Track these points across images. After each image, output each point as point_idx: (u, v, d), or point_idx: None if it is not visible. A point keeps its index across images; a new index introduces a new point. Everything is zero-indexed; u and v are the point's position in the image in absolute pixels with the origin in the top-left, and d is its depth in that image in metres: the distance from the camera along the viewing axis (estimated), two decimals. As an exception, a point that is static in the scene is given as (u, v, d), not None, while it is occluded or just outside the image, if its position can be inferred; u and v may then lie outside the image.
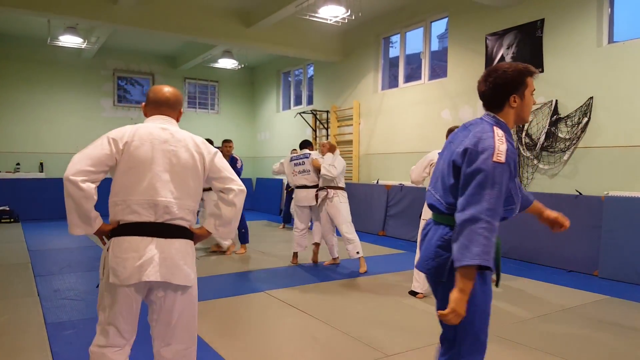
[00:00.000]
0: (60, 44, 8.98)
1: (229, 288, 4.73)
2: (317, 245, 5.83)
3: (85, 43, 9.11)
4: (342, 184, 5.48)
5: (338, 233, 5.61)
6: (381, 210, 8.27)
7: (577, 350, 3.15)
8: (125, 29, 7.92)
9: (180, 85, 12.28)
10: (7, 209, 9.29)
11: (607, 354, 3.11)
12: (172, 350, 1.99)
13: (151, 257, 1.87)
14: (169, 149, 1.96)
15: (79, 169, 1.82)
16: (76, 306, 4.07)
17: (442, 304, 1.80)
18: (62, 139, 10.68)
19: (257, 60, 12.32)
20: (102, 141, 1.91)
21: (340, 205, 5.36)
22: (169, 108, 2.09)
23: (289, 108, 12.07)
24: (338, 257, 5.80)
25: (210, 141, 6.85)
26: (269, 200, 11.90)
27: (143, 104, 2.13)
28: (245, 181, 12.30)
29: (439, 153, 1.99)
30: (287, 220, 8.94)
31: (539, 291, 4.67)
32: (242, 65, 10.92)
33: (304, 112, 10.56)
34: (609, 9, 5.69)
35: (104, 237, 1.99)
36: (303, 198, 5.61)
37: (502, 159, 1.63)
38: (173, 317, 1.96)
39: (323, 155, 5.62)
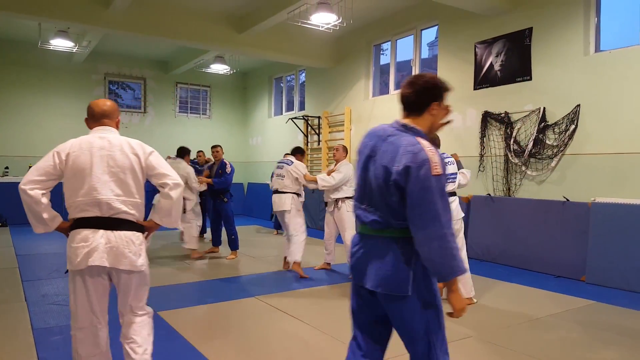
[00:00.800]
0: (52, 47, 8.93)
1: (220, 293, 4.71)
2: (285, 258, 5.77)
3: (77, 47, 9.07)
4: (348, 194, 5.42)
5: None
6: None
7: (565, 356, 3.19)
8: (117, 33, 7.91)
9: (172, 89, 12.27)
10: (-5, 213, 9.17)
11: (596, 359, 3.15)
12: (132, 318, 2.40)
13: (96, 246, 2.21)
14: (105, 154, 2.27)
15: (29, 179, 2.20)
16: (64, 311, 4.03)
17: (404, 316, 1.83)
18: (53, 143, 10.29)
19: (249, 66, 12.35)
20: (49, 155, 2.28)
21: (346, 213, 5.40)
22: (107, 118, 2.41)
23: (281, 113, 12.10)
24: (331, 264, 5.81)
25: (187, 150, 6.75)
26: (260, 205, 11.88)
27: (85, 118, 2.45)
28: (237, 186, 12.23)
29: (358, 162, 1.97)
30: (279, 226, 8.92)
31: (528, 296, 4.71)
32: (234, 71, 10.93)
33: (295, 118, 10.60)
34: (596, 19, 5.80)
35: (68, 233, 2.32)
36: (274, 203, 5.62)
37: (439, 170, 1.72)
38: (129, 295, 2.36)
39: (336, 159, 5.60)
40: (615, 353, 3.24)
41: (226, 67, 10.48)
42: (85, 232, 2.22)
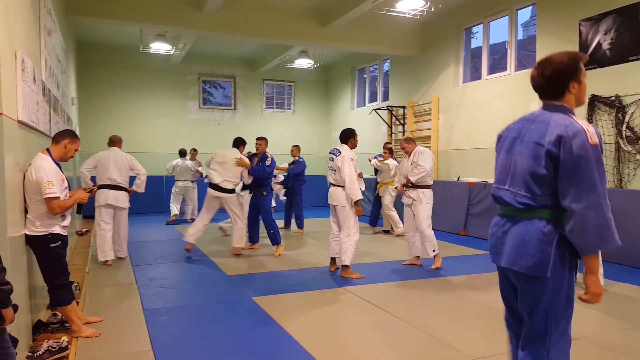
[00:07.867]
0: (151, 51, 9.67)
1: (308, 282, 4.80)
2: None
3: (174, 49, 9.74)
4: (429, 182, 5.40)
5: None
6: (462, 209, 7.95)
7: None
8: (209, 34, 8.35)
9: (259, 86, 12.71)
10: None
11: None
12: (122, 232, 5.76)
13: (109, 195, 5.45)
14: (116, 159, 5.52)
15: (85, 167, 5.46)
16: (169, 294, 4.36)
17: (532, 299, 1.81)
18: (153, 140, 11.49)
19: (332, 59, 12.40)
20: (92, 157, 5.50)
21: (421, 205, 5.30)
22: (118, 143, 5.71)
23: (364, 105, 12.02)
24: (419, 257, 5.60)
25: (242, 140, 6.30)
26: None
27: (108, 142, 5.77)
28: (320, 178, 12.32)
29: (501, 147, 1.99)
30: (374, 222, 8.38)
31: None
32: (318, 65, 11.04)
33: (379, 109, 10.46)
34: None
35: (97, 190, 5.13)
36: (329, 196, 5.09)
37: (596, 140, 1.71)
38: (122, 219, 5.66)
39: (407, 152, 5.52)
40: None
41: (310, 61, 10.62)
42: (105, 190, 5.40)
